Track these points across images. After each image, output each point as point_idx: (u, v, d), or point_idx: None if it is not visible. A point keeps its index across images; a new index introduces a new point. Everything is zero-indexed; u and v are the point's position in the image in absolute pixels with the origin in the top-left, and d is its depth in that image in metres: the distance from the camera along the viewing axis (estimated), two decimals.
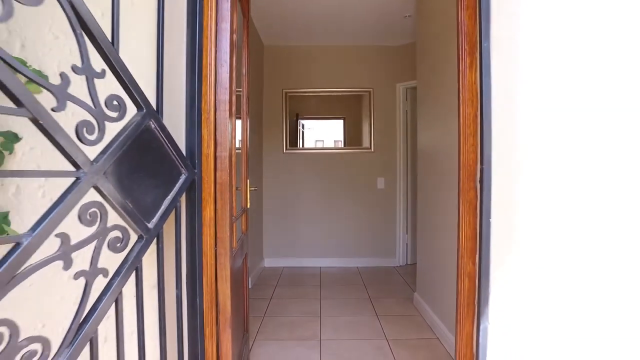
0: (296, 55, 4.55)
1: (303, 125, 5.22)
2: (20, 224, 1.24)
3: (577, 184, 1.18)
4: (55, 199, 1.27)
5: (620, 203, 1.16)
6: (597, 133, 1.17)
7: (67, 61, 1.04)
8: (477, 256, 1.29)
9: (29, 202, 1.23)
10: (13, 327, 0.68)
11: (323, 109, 4.91)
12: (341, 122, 5.12)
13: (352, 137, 4.84)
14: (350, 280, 3.99)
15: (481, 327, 1.25)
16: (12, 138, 1.19)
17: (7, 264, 0.67)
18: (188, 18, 1.20)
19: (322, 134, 5.44)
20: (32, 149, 1.24)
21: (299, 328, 2.78)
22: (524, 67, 1.20)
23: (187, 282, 1.20)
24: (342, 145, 4.91)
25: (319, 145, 5.51)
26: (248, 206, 2.00)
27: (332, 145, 5.27)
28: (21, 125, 1.22)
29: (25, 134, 1.22)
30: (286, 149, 4.62)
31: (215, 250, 1.33)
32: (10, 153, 1.20)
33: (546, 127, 1.20)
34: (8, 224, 1.20)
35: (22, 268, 0.70)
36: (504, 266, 1.23)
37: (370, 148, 4.59)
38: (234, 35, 1.47)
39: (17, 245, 0.70)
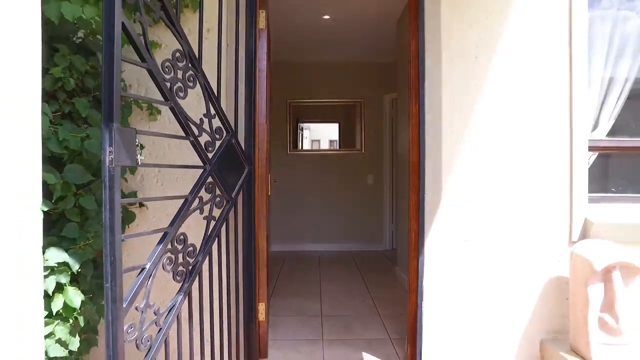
0: (299, 70, 5.38)
1: (302, 128, 6.07)
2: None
3: (473, 176, 2.05)
4: (164, 183, 2.12)
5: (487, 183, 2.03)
6: (479, 141, 2.04)
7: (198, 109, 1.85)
8: (418, 218, 2.14)
9: (148, 185, 2.08)
10: (185, 237, 1.52)
11: (321, 115, 5.78)
12: (336, 125, 5.99)
13: (345, 140, 5.69)
14: (344, 260, 4.84)
15: (419, 260, 2.10)
16: (140, 146, 2.03)
17: (185, 208, 1.51)
18: (247, 72, 2.04)
19: (318, 134, 6.34)
20: (150, 154, 2.09)
21: (304, 290, 3.63)
22: (443, 105, 2.06)
23: (245, 232, 2.03)
24: (337, 147, 5.77)
25: (315, 144, 6.41)
26: (269, 194, 2.84)
27: (327, 143, 6.16)
28: (143, 140, 2.06)
29: (147, 145, 2.07)
30: (290, 151, 5.45)
31: (258, 216, 2.17)
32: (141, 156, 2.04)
33: (453, 139, 2.06)
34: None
35: (189, 210, 1.54)
36: (432, 224, 2.08)
37: (361, 149, 5.45)
38: (268, 80, 2.31)
39: (186, 200, 1.54)
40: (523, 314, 2.10)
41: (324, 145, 6.47)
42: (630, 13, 2.25)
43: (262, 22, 2.20)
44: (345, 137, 5.74)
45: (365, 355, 2.38)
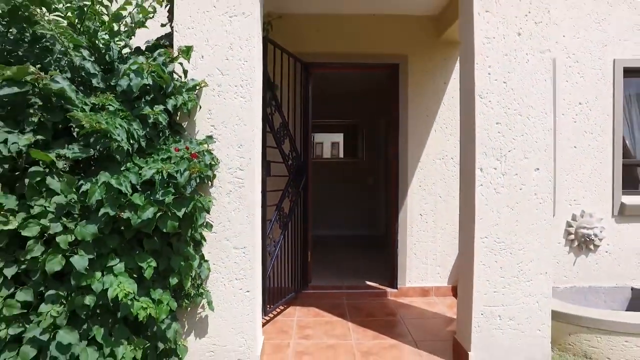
0: (314, 97, 7.18)
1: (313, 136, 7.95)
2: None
3: (424, 181, 3.89)
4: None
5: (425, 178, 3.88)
6: (427, 161, 3.88)
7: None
8: (396, 200, 3.97)
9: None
10: (283, 208, 3.36)
11: (330, 129, 7.62)
12: (341, 134, 7.85)
13: (349, 150, 7.53)
14: (350, 241, 6.66)
15: (395, 226, 3.93)
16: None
17: (283, 194, 3.34)
18: (304, 117, 3.86)
19: (321, 137, 8.25)
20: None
21: (321, 256, 5.44)
22: (409, 140, 3.90)
23: (303, 207, 3.85)
24: (343, 156, 7.60)
25: (318, 146, 8.30)
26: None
27: (329, 145, 8.07)
28: None
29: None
30: None
31: (310, 201, 4.00)
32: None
33: (414, 161, 3.90)
34: None
35: (284, 196, 3.37)
36: (402, 205, 3.92)
37: (363, 158, 7.27)
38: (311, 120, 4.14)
39: (283, 191, 3.37)
40: (454, 255, 3.93)
41: (327, 146, 8.38)
42: None
43: (311, 85, 4.00)
44: (349, 148, 7.58)
45: (367, 282, 4.20)
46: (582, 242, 3.96)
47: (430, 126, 3.92)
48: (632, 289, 3.89)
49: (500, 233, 2.47)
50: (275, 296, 3.38)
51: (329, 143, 9.26)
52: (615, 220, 3.97)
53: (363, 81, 6.39)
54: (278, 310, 3.47)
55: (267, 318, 3.27)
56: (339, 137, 8.10)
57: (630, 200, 3.97)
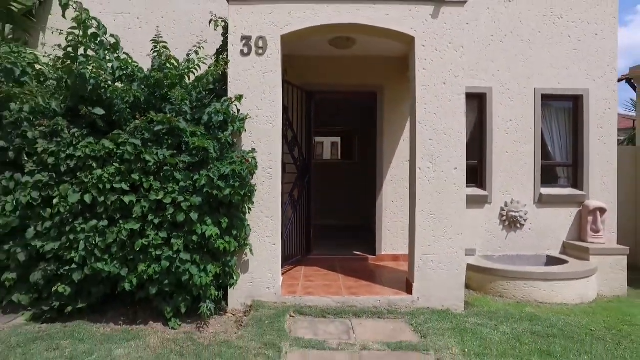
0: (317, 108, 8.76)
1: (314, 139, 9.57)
2: None
3: (397, 176, 5.48)
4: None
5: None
6: (397, 163, 5.48)
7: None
8: (374, 187, 5.54)
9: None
10: (294, 195, 4.96)
11: (329, 134, 9.21)
12: (339, 138, 9.45)
13: (345, 154, 9.12)
14: (348, 228, 8.24)
15: (375, 209, 5.51)
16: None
17: (294, 185, 4.94)
18: (307, 129, 5.43)
19: (322, 137, 9.86)
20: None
21: (322, 238, 7.01)
22: (384, 148, 5.49)
23: (307, 196, 5.42)
24: (340, 158, 9.19)
25: (319, 146, 9.91)
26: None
27: (329, 145, 9.67)
28: None
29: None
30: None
31: (313, 192, 5.57)
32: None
33: (388, 162, 5.49)
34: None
35: (294, 187, 4.96)
36: (380, 193, 5.50)
37: (357, 160, 8.86)
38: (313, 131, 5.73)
39: (294, 184, 4.96)
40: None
41: (327, 146, 9.96)
42: None
43: (312, 108, 5.57)
44: (346, 151, 9.17)
45: (354, 252, 5.78)
46: (511, 222, 5.53)
47: (399, 138, 5.50)
48: (547, 256, 5.47)
49: (432, 208, 4.05)
50: (287, 259, 4.96)
51: (329, 143, 10.94)
52: (536, 206, 5.55)
53: (356, 99, 7.96)
54: (289, 267, 5.05)
55: (282, 271, 4.84)
56: (337, 139, 9.80)
57: (547, 191, 5.56)
